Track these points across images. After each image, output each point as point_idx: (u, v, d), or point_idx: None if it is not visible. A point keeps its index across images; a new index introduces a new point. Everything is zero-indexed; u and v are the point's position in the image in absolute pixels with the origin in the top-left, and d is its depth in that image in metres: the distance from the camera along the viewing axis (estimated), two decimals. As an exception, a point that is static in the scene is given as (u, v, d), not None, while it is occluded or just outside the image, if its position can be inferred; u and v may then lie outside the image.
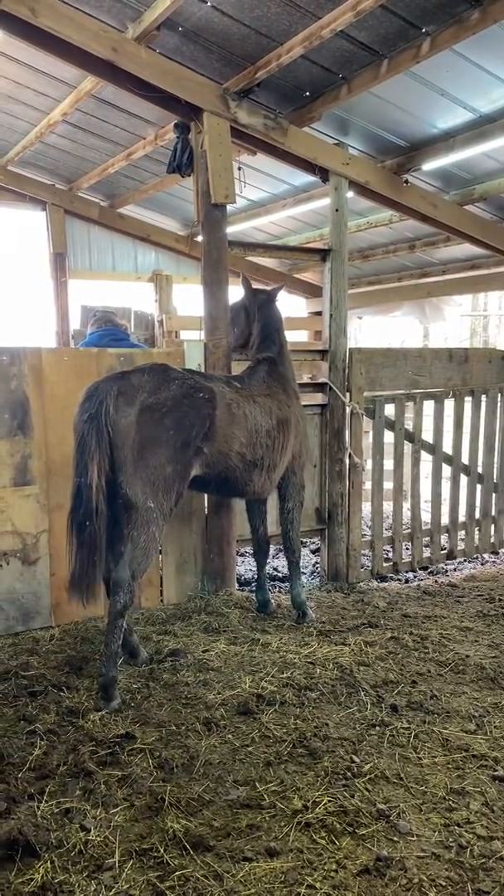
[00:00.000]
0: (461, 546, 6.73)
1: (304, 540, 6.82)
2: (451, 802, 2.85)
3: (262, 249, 6.55)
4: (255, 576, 5.45)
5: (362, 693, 3.78)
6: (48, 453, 4.75)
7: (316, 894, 2.36)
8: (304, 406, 5.48)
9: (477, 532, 6.81)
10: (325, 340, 5.94)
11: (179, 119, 5.39)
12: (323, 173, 5.87)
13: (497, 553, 7.00)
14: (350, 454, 5.90)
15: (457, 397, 6.47)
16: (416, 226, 7.34)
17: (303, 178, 6.79)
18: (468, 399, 6.58)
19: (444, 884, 2.39)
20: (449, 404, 6.45)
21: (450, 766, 3.12)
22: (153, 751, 3.20)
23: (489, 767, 3.10)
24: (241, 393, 4.49)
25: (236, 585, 5.71)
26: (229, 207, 5.46)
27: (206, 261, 5.30)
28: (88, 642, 4.48)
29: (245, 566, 6.74)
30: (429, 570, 6.51)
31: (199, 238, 5.67)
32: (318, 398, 6.02)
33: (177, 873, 2.43)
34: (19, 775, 3.00)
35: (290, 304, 10.55)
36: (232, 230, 7.75)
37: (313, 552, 7.31)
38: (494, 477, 6.88)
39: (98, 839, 2.60)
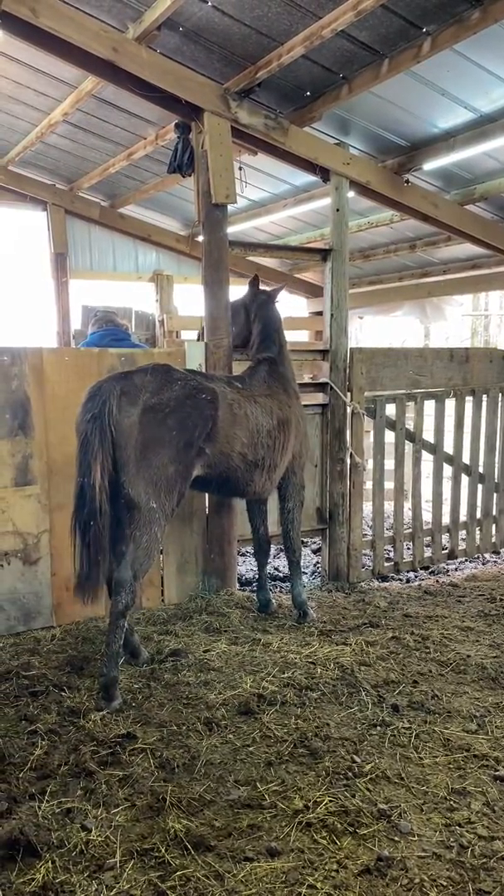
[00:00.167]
0: (462, 546, 6.73)
1: (306, 540, 6.82)
2: (452, 802, 2.85)
3: (263, 249, 6.55)
4: (256, 576, 5.45)
5: (363, 693, 3.78)
6: (49, 453, 4.76)
7: (317, 894, 2.36)
8: (306, 406, 5.48)
9: (478, 532, 6.81)
10: (326, 340, 5.94)
11: (180, 119, 5.39)
12: (324, 173, 5.88)
13: (498, 553, 7.00)
14: (351, 454, 5.90)
15: (458, 397, 6.47)
16: (416, 225, 7.34)
17: (303, 177, 6.79)
18: (469, 399, 6.58)
19: (445, 884, 2.39)
20: (450, 404, 6.45)
21: (451, 766, 3.12)
22: (154, 751, 3.20)
23: (490, 767, 3.10)
24: (243, 393, 4.50)
25: (237, 585, 5.71)
26: (230, 207, 5.46)
27: (207, 261, 5.30)
28: (90, 642, 4.48)
29: (246, 566, 6.74)
30: (430, 570, 6.51)
31: (200, 238, 5.67)
32: (319, 398, 6.02)
33: (178, 873, 2.43)
34: (20, 775, 3.00)
35: (290, 304, 10.55)
36: (233, 230, 7.75)
37: (314, 552, 7.31)
38: (495, 476, 6.88)
39: (99, 839, 2.60)
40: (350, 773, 3.01)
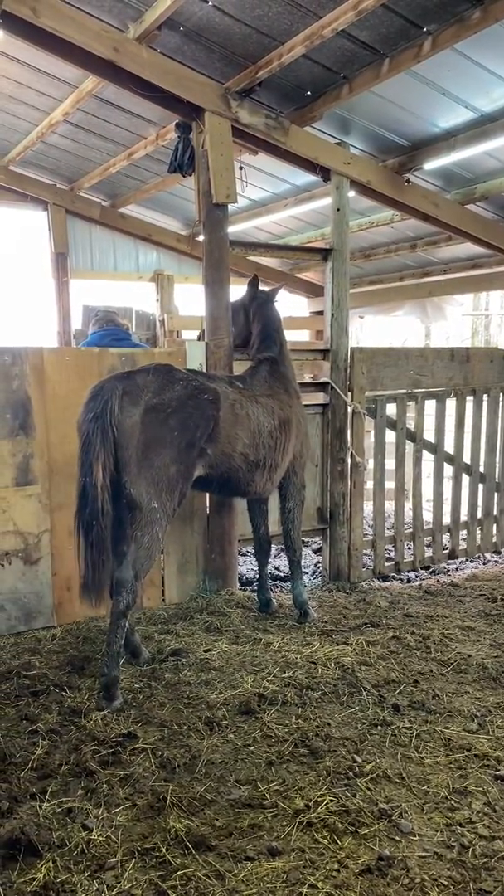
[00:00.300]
0: (463, 545, 6.73)
1: (306, 539, 6.82)
2: (453, 802, 2.85)
3: (264, 249, 6.55)
4: (257, 575, 5.45)
5: (364, 693, 3.78)
6: (50, 453, 4.76)
7: (318, 894, 2.36)
8: (306, 406, 5.48)
9: (479, 531, 6.81)
10: (327, 340, 5.94)
11: (181, 119, 5.39)
12: (324, 173, 5.88)
13: (499, 552, 7.00)
14: (352, 454, 5.90)
15: (458, 397, 6.47)
16: (417, 225, 7.34)
17: (304, 177, 6.79)
18: (470, 398, 6.58)
19: (446, 883, 2.39)
20: (451, 404, 6.45)
21: (452, 765, 3.12)
22: (155, 750, 3.20)
23: (491, 767, 3.10)
24: (244, 393, 4.50)
25: (238, 585, 5.72)
26: (231, 207, 5.46)
27: (208, 260, 5.31)
28: (90, 642, 4.48)
29: (247, 566, 6.74)
30: (431, 570, 6.51)
31: (201, 238, 5.66)
32: (320, 398, 6.02)
33: (179, 873, 2.43)
34: (21, 775, 3.00)
35: (291, 304, 10.55)
36: (233, 230, 7.74)
37: (315, 552, 7.32)
38: (496, 476, 6.88)
39: (100, 839, 2.60)
40: (351, 773, 3.01)
